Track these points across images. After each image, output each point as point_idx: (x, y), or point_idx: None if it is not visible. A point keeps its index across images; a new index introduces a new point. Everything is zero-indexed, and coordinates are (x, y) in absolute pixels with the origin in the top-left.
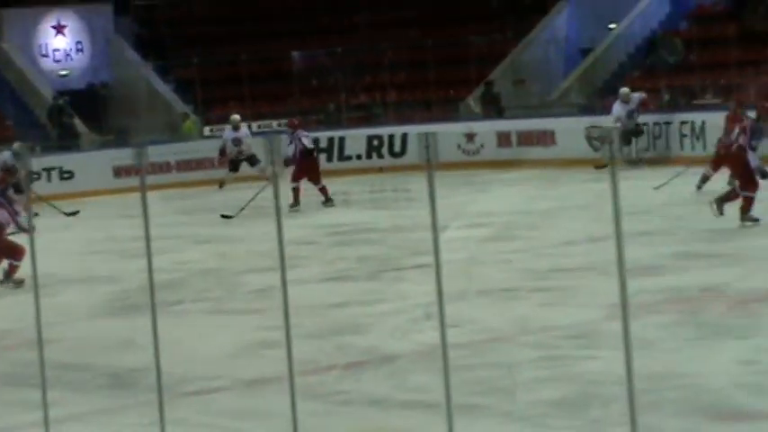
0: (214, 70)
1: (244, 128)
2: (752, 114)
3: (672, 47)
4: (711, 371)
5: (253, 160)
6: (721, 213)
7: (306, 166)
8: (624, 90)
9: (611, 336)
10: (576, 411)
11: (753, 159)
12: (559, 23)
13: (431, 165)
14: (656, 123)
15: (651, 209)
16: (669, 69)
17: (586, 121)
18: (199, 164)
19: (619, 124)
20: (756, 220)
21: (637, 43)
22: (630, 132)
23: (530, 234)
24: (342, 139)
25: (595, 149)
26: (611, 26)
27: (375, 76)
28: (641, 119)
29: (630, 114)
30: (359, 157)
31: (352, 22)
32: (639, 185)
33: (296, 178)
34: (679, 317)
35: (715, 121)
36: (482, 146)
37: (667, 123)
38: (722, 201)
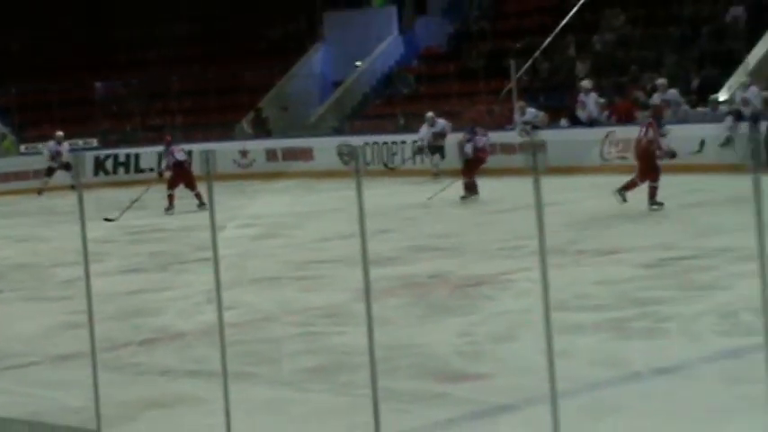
0: (29, 97)
1: (65, 143)
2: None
3: (405, 80)
4: (436, 342)
5: (68, 167)
6: (624, 200)
7: (179, 175)
8: (429, 114)
9: (357, 315)
10: (330, 377)
11: (664, 145)
12: (315, 61)
13: (210, 176)
14: (393, 142)
15: (388, 212)
16: (404, 98)
17: (338, 140)
18: (16, 176)
19: (420, 143)
20: (661, 204)
21: (378, 77)
22: (433, 149)
23: (292, 232)
24: (137, 155)
25: (345, 163)
26: (358, 63)
27: (165, 103)
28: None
29: (436, 135)
30: (151, 169)
31: (146, 58)
32: (390, 192)
33: (171, 186)
34: (411, 299)
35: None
36: (253, 160)
37: (403, 142)
38: (624, 189)
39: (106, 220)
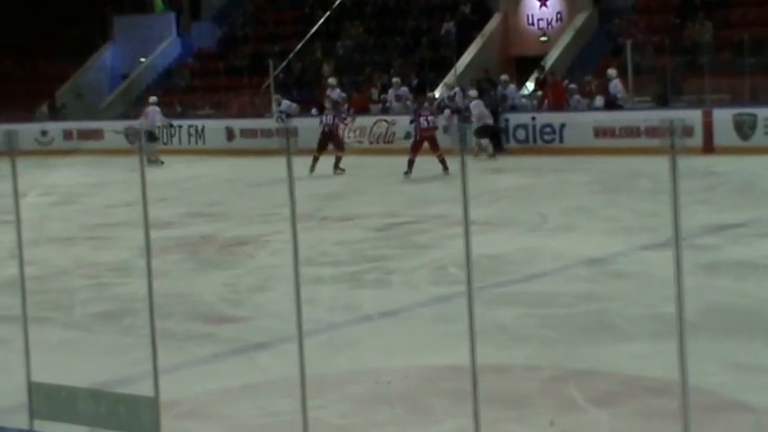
0: None
1: None
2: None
3: (182, 75)
4: (205, 291)
5: None
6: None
7: None
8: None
9: (139, 268)
10: (115, 320)
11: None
12: (106, 57)
13: (13, 152)
14: (171, 126)
15: (164, 185)
16: (180, 90)
17: (125, 123)
18: None
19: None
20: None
21: (159, 72)
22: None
23: (84, 200)
24: None
25: (130, 143)
26: (142, 60)
27: None
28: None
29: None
30: None
31: None
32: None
33: None
34: (185, 255)
35: (213, 126)
36: (53, 139)
37: (180, 126)
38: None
39: None
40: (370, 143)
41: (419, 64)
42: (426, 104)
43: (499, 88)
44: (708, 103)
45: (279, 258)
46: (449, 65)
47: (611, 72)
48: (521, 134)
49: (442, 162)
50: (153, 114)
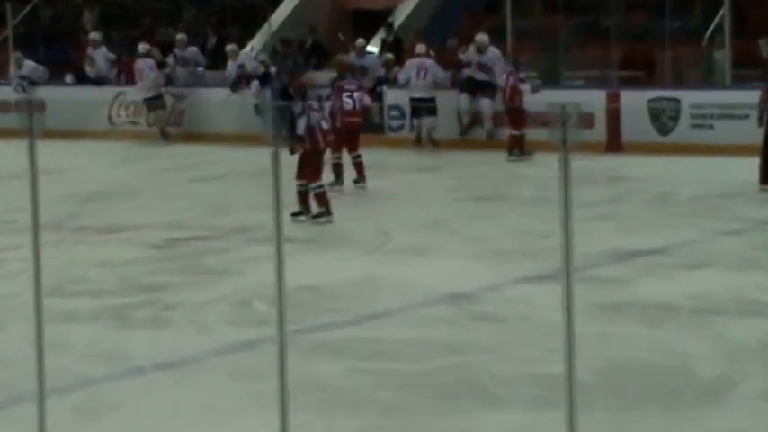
0: None
1: None
2: None
3: None
4: None
5: None
6: None
7: None
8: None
9: None
10: None
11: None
12: None
13: None
14: None
15: None
16: None
17: None
18: None
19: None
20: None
21: None
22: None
23: None
24: None
25: None
26: None
27: None
28: None
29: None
30: None
31: None
32: None
33: None
34: None
35: None
36: None
37: None
38: None
39: None
40: (149, 125)
41: (218, 16)
42: (348, 74)
43: (351, 56)
44: (615, 82)
45: (14, 285)
46: (260, 18)
47: (482, 38)
48: None
49: (359, 169)
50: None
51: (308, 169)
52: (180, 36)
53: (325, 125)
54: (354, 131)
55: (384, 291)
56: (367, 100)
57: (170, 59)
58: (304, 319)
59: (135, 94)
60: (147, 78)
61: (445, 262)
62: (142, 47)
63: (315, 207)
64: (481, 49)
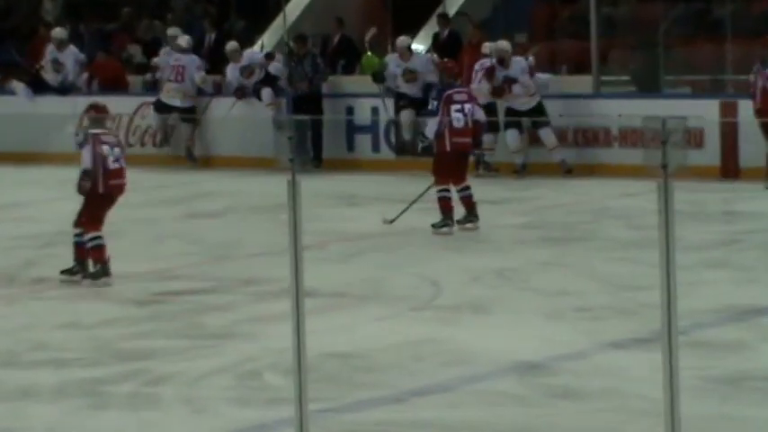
0: None
1: None
2: None
3: None
4: None
5: None
6: None
7: None
8: None
9: None
10: None
11: None
12: None
13: None
14: None
15: None
16: None
17: None
18: None
19: None
20: None
21: None
22: None
23: None
24: None
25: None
26: None
27: None
28: None
29: None
30: None
31: None
32: None
33: None
34: None
35: None
36: None
37: None
38: None
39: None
40: (130, 144)
41: (219, 6)
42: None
43: (391, 58)
44: (730, 89)
45: None
46: (272, 9)
47: (504, 46)
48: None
49: (468, 204)
50: (189, 66)
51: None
52: (172, 30)
53: (458, 123)
54: (465, 155)
55: (434, 359)
56: (480, 114)
57: (159, 59)
58: (330, 395)
59: (168, 97)
60: (192, 81)
61: (513, 322)
62: (182, 39)
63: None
64: (505, 61)
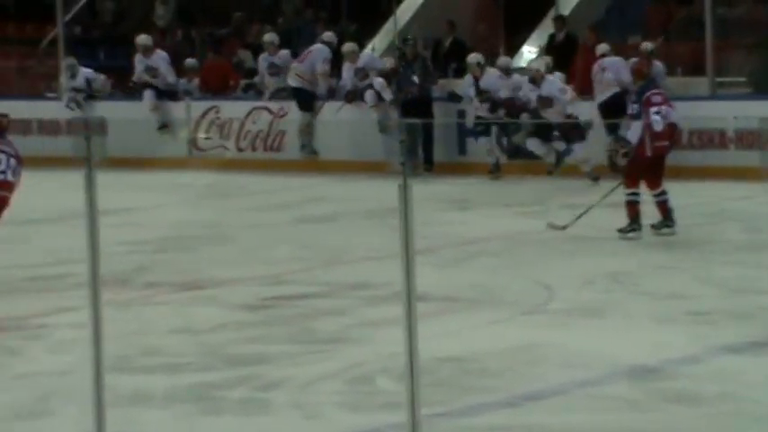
0: None
1: None
2: None
3: None
4: None
5: None
6: None
7: None
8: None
9: None
10: None
11: None
12: None
13: None
14: None
15: None
16: None
17: None
18: None
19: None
20: None
21: None
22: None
23: None
24: None
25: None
26: None
27: None
28: None
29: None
30: None
31: None
32: None
33: None
34: None
35: None
36: None
37: None
38: None
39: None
40: (239, 149)
41: (331, 8)
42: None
43: (491, 72)
44: None
45: (65, 359)
46: (383, 12)
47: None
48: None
49: (664, 209)
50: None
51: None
52: (268, 36)
53: (657, 127)
54: (662, 158)
55: (547, 363)
56: (675, 115)
57: (259, 64)
58: (443, 400)
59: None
60: (313, 68)
61: (627, 326)
62: (326, 35)
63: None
64: (537, 78)
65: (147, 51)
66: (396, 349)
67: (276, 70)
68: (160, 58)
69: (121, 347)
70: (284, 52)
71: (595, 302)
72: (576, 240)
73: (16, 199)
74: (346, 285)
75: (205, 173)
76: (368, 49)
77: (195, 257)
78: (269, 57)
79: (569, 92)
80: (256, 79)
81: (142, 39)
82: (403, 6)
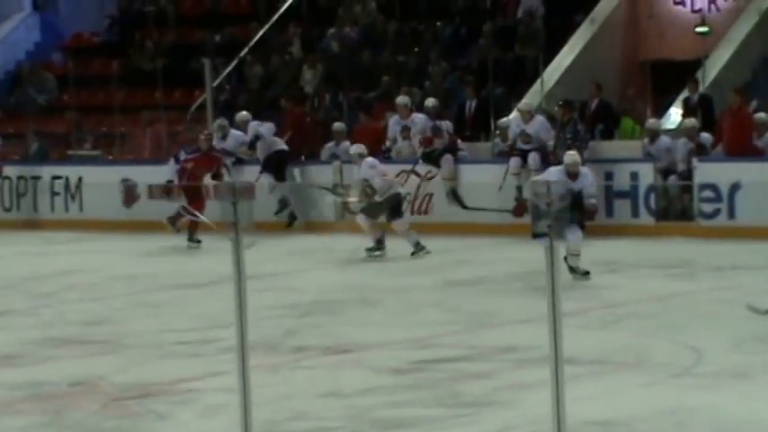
0: None
1: None
2: None
3: (41, 82)
4: None
5: None
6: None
7: None
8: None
9: None
10: None
11: None
12: None
13: None
14: (20, 177)
15: (14, 284)
16: (39, 110)
17: None
18: None
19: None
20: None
21: None
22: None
23: None
24: None
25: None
26: None
27: None
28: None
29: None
30: None
31: None
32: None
33: None
34: (42, 417)
35: (94, 177)
36: None
37: (35, 178)
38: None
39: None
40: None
41: (478, 71)
42: None
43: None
44: None
45: (216, 422)
46: (530, 74)
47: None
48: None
49: None
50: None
51: None
52: (431, 101)
53: None
54: None
55: (695, 427)
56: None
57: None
58: None
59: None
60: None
61: None
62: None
63: None
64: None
65: (222, 129)
66: (543, 412)
67: (440, 134)
68: (267, 128)
69: (270, 412)
70: (418, 116)
71: (744, 365)
72: (723, 303)
73: (165, 265)
74: (493, 348)
75: (354, 236)
76: (513, 114)
77: (343, 321)
78: (401, 120)
79: None
80: (387, 143)
81: (219, 122)
82: (549, 69)
